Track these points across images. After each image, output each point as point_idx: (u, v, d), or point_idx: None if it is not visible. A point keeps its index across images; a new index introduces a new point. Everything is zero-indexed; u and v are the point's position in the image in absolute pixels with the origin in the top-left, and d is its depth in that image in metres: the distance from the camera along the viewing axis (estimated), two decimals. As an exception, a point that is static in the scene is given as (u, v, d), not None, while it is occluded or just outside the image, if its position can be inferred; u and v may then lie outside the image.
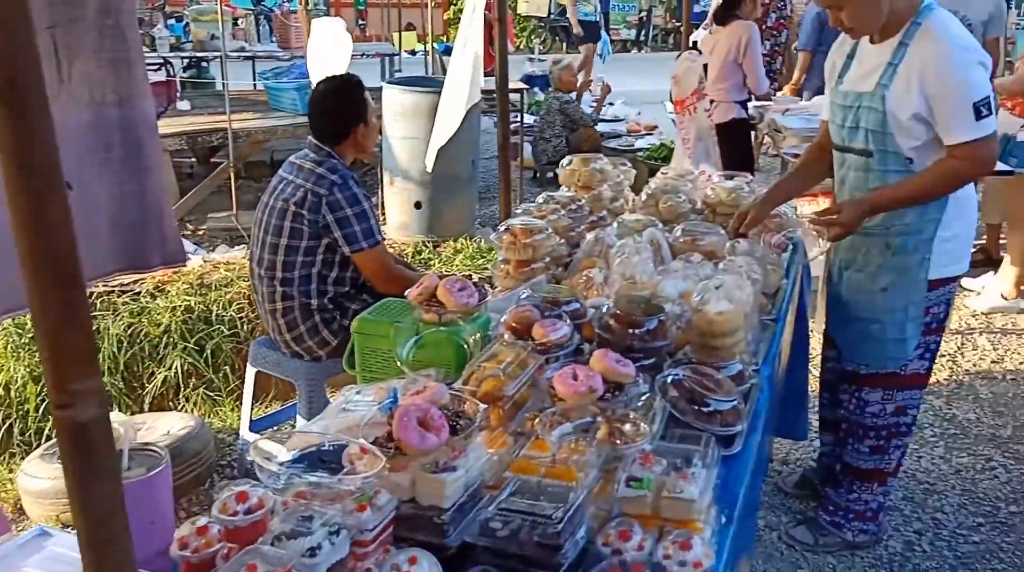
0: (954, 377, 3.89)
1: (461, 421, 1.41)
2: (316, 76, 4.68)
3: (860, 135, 2.42)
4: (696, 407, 1.71)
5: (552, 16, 17.19)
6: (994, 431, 3.46)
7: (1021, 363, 4.02)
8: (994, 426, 3.49)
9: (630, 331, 1.91)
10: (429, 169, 4.69)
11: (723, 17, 4.95)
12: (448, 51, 11.56)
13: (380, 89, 5.90)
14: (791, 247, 2.80)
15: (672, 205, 2.94)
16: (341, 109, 2.91)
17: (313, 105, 2.95)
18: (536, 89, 9.44)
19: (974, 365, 4.02)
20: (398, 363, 1.83)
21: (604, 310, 2.00)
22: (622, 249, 2.33)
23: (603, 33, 11.13)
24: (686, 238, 2.58)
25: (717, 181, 3.17)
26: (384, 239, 2.96)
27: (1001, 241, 4.91)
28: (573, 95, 7.19)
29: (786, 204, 2.88)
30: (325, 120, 2.92)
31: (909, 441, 2.76)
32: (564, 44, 16.71)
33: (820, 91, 5.51)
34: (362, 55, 11.28)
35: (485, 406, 1.49)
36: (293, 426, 3.18)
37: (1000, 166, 3.83)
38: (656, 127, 7.68)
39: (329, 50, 4.96)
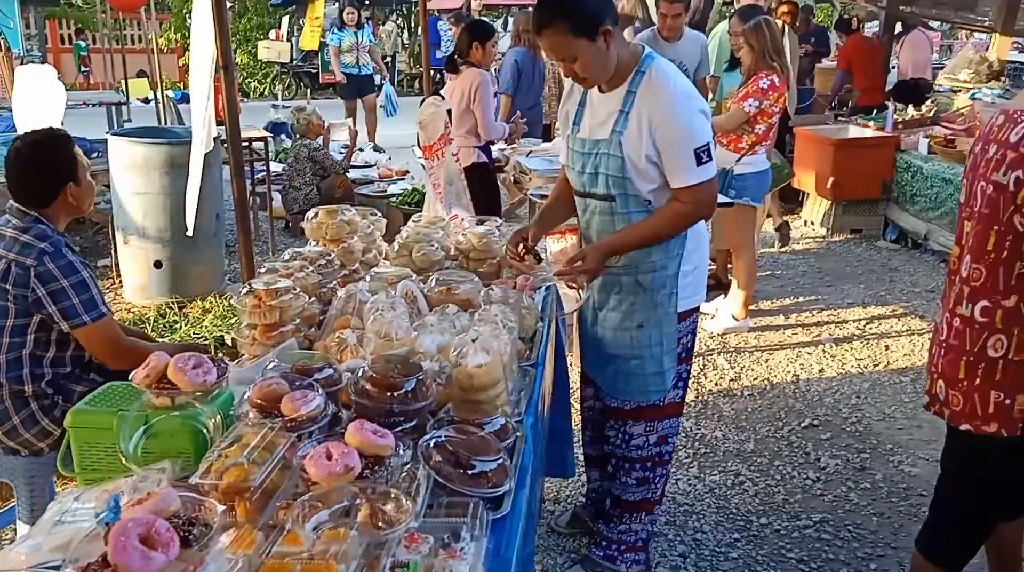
0: (699, 397, 4.14)
1: (195, 529, 1.22)
2: (25, 130, 4.17)
3: (601, 181, 2.49)
4: (462, 470, 1.62)
5: (295, 62, 16.87)
6: (739, 446, 3.70)
7: (755, 379, 4.37)
8: (738, 441, 3.74)
9: (388, 394, 1.79)
10: (190, 231, 4.34)
11: (454, 66, 5.05)
12: (185, 99, 10.92)
13: (106, 141, 5.41)
14: (543, 288, 2.83)
15: (426, 254, 2.87)
16: (46, 168, 2.57)
17: (11, 165, 2.57)
18: (283, 136, 9.13)
19: (715, 384, 4.31)
20: (123, 460, 1.59)
21: (360, 374, 1.86)
22: (376, 305, 2.21)
23: (387, 85, 10.84)
24: (441, 288, 2.51)
25: (468, 226, 3.15)
26: (110, 311, 2.63)
27: (728, 265, 5.34)
28: (320, 141, 7.01)
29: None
30: (28, 181, 2.56)
31: (671, 468, 2.87)
32: (309, 90, 16.41)
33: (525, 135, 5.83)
34: (85, 104, 10.39)
35: (223, 508, 1.30)
36: (14, 532, 2.74)
37: (720, 198, 4.15)
38: (407, 171, 7.68)
39: (39, 101, 4.45)
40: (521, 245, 2.68)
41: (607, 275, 2.57)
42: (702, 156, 2.38)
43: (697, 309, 2.71)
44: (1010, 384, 1.95)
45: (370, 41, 10.56)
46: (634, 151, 2.40)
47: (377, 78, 11.39)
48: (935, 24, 11.05)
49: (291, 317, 2.28)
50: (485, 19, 9.53)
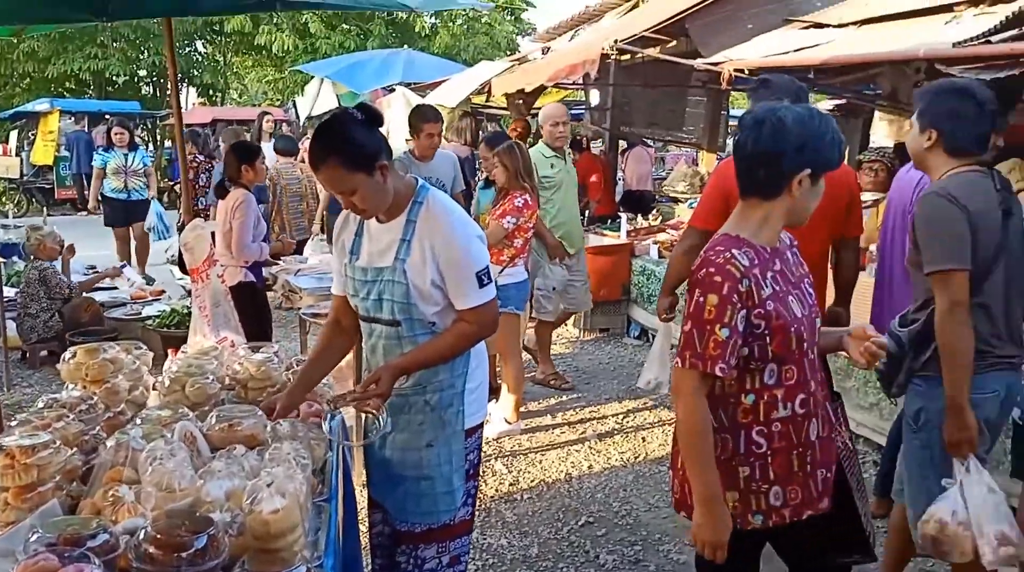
0: (482, 505, 4.16)
1: None
2: None
3: (386, 306, 2.50)
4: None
5: (26, 177, 15.46)
6: (524, 552, 3.74)
7: (532, 481, 4.47)
8: (523, 547, 3.78)
9: (176, 556, 1.63)
10: None
11: (224, 190, 4.92)
12: None
13: None
14: (329, 415, 2.74)
15: (200, 387, 2.70)
16: None
17: None
18: (16, 258, 8.23)
19: (496, 490, 4.36)
20: None
21: (141, 535, 1.68)
22: (153, 453, 2.02)
23: (154, 202, 9.53)
24: (222, 424, 2.36)
25: (244, 354, 3.01)
26: None
27: (497, 370, 5.48)
28: (56, 263, 6.39)
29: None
30: None
31: (463, 586, 2.82)
32: (44, 207, 15.04)
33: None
34: None
35: None
36: None
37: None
38: (163, 292, 7.20)
39: None
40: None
41: (395, 397, 2.55)
42: (483, 278, 2.47)
43: (482, 425, 2.75)
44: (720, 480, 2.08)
45: (144, 163, 9.45)
46: (418, 277, 2.44)
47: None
48: (650, 141, 12.41)
49: (50, 475, 2.03)
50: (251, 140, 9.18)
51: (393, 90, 10.97)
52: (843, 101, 7.82)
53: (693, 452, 2.05)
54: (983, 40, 3.51)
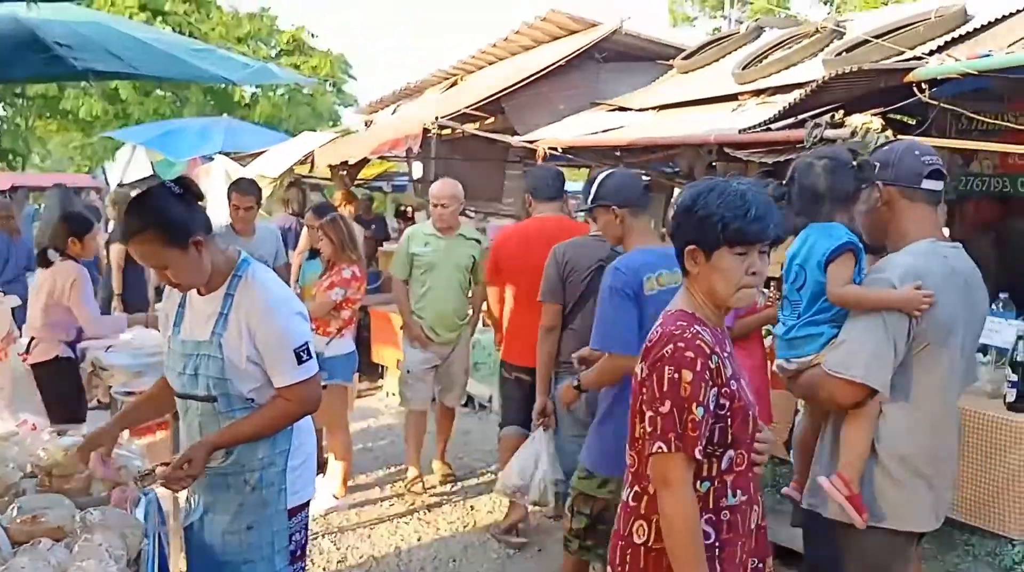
0: (310, 585, 3.98)
1: None
2: None
3: (201, 382, 2.40)
4: None
5: None
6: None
7: (361, 557, 4.35)
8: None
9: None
10: None
11: (47, 260, 4.53)
12: None
13: None
14: (141, 499, 2.56)
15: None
16: None
17: None
18: None
19: (323, 569, 4.19)
20: None
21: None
22: (-61, 554, 1.81)
23: None
24: (25, 518, 2.15)
25: (48, 438, 2.76)
26: None
27: (323, 444, 5.31)
28: None
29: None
30: None
31: None
32: None
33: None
34: None
35: None
36: None
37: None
38: (-56, 371, 6.46)
39: None
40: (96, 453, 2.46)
41: (213, 476, 2.43)
42: (302, 355, 2.40)
43: (308, 503, 2.66)
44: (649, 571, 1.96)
45: None
46: (234, 353, 2.37)
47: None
48: (471, 211, 12.73)
49: None
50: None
51: (212, 158, 10.62)
52: (648, 178, 8.41)
53: (690, 550, 1.85)
54: (764, 127, 3.93)
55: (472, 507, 5.05)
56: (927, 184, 2.27)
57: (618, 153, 6.03)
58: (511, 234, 4.65)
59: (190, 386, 2.43)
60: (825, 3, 19.26)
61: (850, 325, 2.25)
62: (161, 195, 2.34)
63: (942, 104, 3.29)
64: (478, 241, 5.18)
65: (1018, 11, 3.89)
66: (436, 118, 6.92)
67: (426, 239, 5.10)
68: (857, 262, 2.29)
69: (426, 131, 6.98)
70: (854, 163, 2.35)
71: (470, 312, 5.38)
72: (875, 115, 3.24)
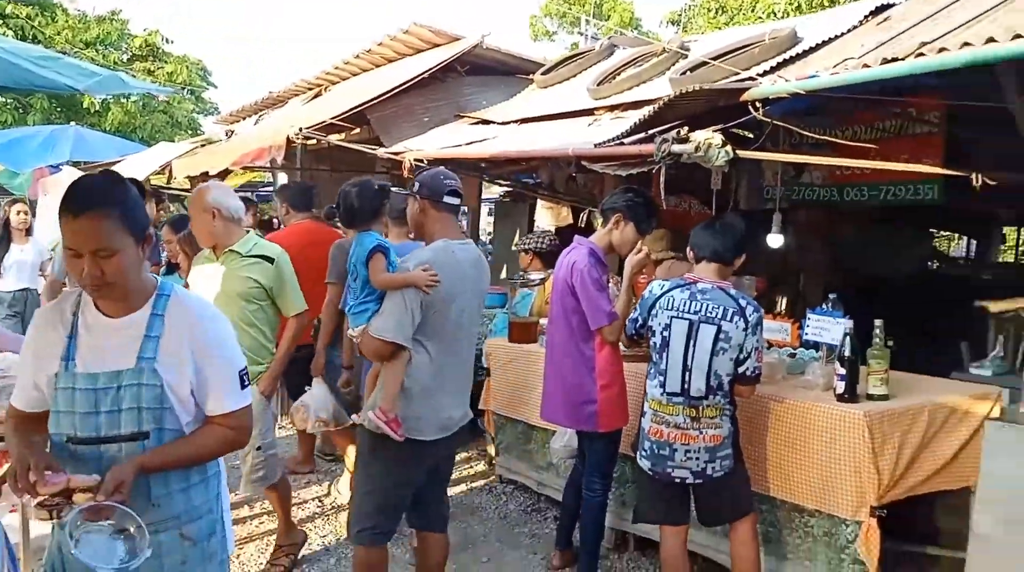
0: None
1: None
2: None
3: (128, 417, 2.04)
4: None
5: None
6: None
7: None
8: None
9: None
10: None
11: None
12: None
13: None
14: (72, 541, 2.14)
15: None
16: None
17: None
18: None
19: None
20: None
21: None
22: None
23: None
24: None
25: None
26: None
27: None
28: None
29: None
30: None
31: None
32: None
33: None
34: None
35: None
36: None
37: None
38: None
39: None
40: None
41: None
42: (244, 379, 2.18)
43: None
44: None
45: None
46: (175, 378, 2.05)
47: None
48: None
49: None
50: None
51: (60, 169, 9.91)
52: (511, 189, 8.51)
53: None
54: (618, 142, 4.04)
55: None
56: (447, 199, 3.15)
57: (483, 165, 6.06)
58: (276, 240, 4.56)
59: (109, 426, 2.03)
60: (673, 23, 20.15)
61: (386, 301, 3.04)
62: (126, 181, 2.07)
63: (774, 121, 3.49)
64: (268, 259, 3.93)
65: (841, 35, 4.20)
66: (300, 129, 6.73)
67: (203, 261, 4.06)
68: (387, 257, 3.08)
69: (290, 141, 6.78)
70: (377, 187, 3.44)
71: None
72: (716, 131, 3.41)
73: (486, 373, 5.45)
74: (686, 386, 3.32)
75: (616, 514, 4.41)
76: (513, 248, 7.32)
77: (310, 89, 9.60)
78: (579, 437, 4.05)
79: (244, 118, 11.05)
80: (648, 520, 3.66)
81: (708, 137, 3.38)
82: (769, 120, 3.38)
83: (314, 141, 7.10)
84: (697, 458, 3.33)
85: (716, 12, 17.04)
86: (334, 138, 7.25)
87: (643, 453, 3.46)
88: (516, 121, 6.23)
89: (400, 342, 2.99)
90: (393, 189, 4.08)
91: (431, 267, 3.02)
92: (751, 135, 4.53)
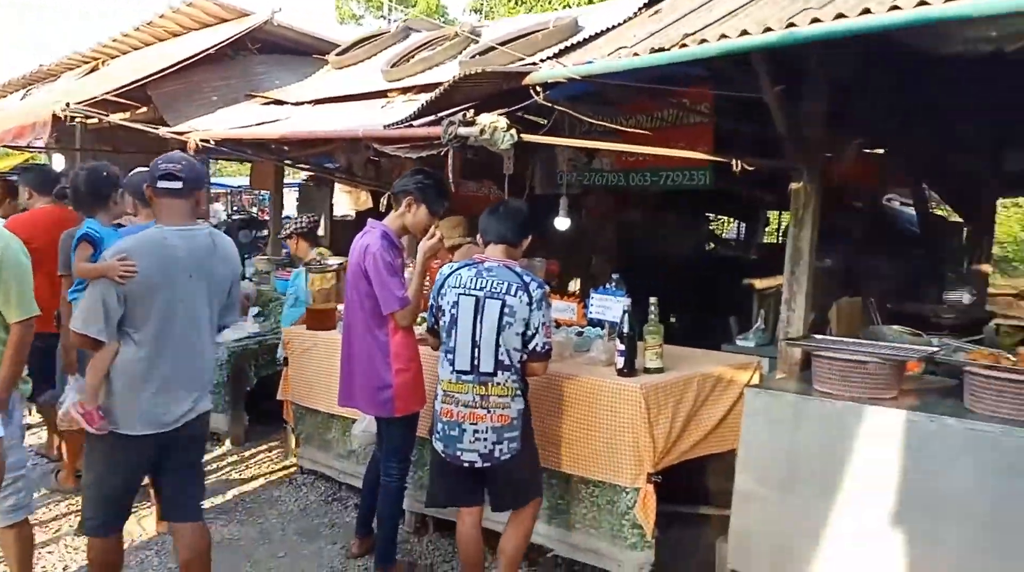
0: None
1: None
2: None
3: None
4: None
5: None
6: None
7: None
8: None
9: None
10: None
11: None
12: None
13: None
14: None
15: None
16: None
17: None
18: None
19: None
20: None
21: None
22: None
23: None
24: None
25: None
26: None
27: None
28: None
29: None
30: None
31: None
32: None
33: None
34: None
35: None
36: None
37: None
38: None
39: None
40: None
41: None
42: None
43: None
44: None
45: None
46: None
47: None
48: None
49: None
50: None
51: None
52: (313, 173, 8.17)
53: None
54: (407, 124, 3.92)
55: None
56: (161, 183, 3.00)
57: (274, 146, 5.73)
58: (17, 226, 4.22)
59: None
60: (476, 12, 20.26)
61: (87, 291, 2.96)
62: None
63: (555, 106, 3.52)
64: None
65: (618, 24, 4.31)
66: (68, 104, 6.04)
67: None
68: (95, 246, 3.09)
69: (57, 119, 6.07)
70: (106, 173, 3.47)
71: None
72: (501, 115, 3.38)
73: (284, 362, 5.21)
74: (476, 363, 3.27)
75: (415, 497, 4.34)
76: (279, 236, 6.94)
77: (85, 62, 8.68)
78: (377, 422, 3.93)
79: (9, 93, 9.84)
80: (438, 504, 3.60)
81: (493, 120, 3.34)
82: (550, 105, 3.40)
83: (95, 120, 6.41)
84: (485, 439, 3.28)
85: (516, 2, 17.33)
86: (117, 117, 6.58)
87: (436, 435, 3.40)
88: (310, 102, 5.94)
89: (91, 335, 2.89)
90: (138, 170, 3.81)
91: (128, 256, 2.90)
92: (544, 122, 4.58)
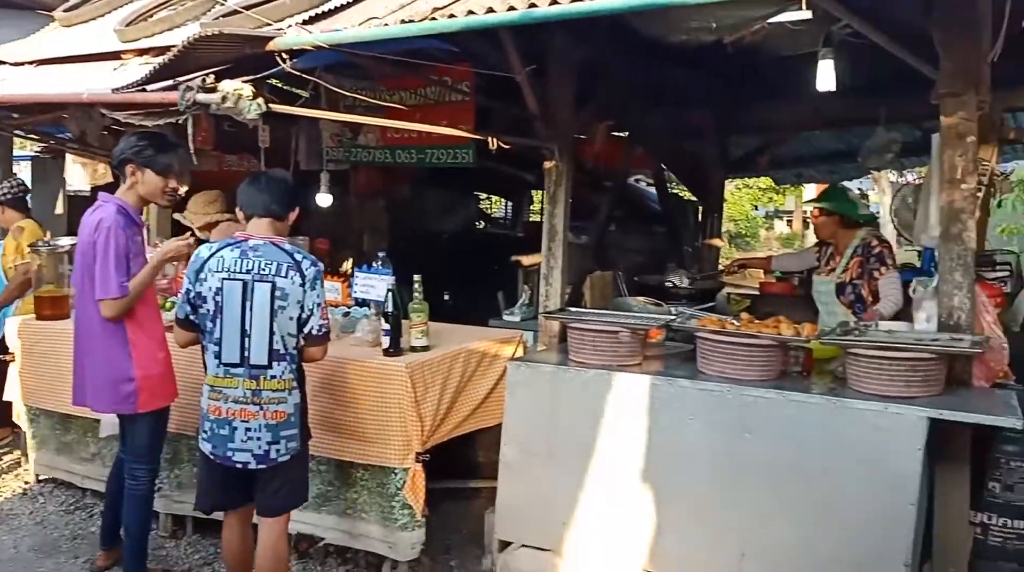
0: None
1: None
2: None
3: None
4: None
5: None
6: None
7: None
8: None
9: None
10: None
11: None
12: None
13: None
14: None
15: None
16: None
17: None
18: None
19: None
20: None
21: None
22: None
23: None
24: None
25: None
26: None
27: None
28: None
29: None
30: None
31: None
32: None
33: None
34: None
35: None
36: None
37: None
38: None
39: None
40: None
41: None
42: None
43: None
44: None
45: None
46: None
47: None
48: None
49: None
50: None
51: None
52: (45, 144, 7.17)
53: None
54: (139, 88, 3.48)
55: None
56: None
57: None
58: None
59: None
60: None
61: None
62: None
63: (306, 76, 3.32)
64: None
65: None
66: None
67: None
68: None
69: None
70: None
71: None
72: (246, 82, 3.08)
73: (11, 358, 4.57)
74: (246, 354, 2.94)
75: (170, 498, 3.99)
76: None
77: None
78: (120, 420, 3.52)
79: None
80: (206, 509, 3.24)
81: (237, 88, 3.02)
82: (299, 74, 3.17)
83: None
84: (259, 438, 2.95)
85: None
86: None
87: (204, 435, 3.02)
88: (32, 62, 5.17)
89: None
90: None
91: None
92: (306, 94, 4.31)
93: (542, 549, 3.36)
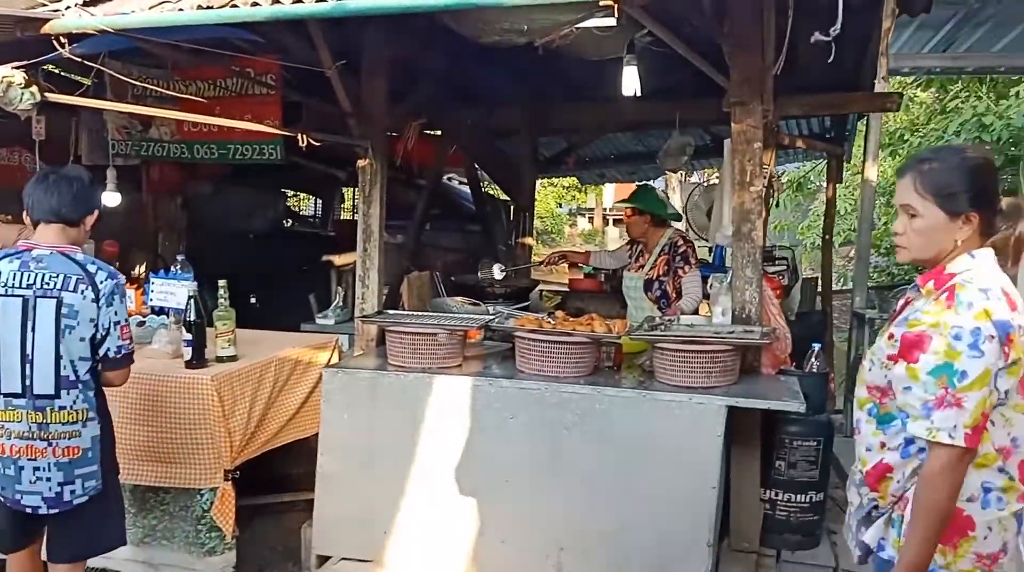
0: None
1: None
2: None
3: None
4: None
5: None
6: None
7: None
8: None
9: None
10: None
11: None
12: None
13: None
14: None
15: None
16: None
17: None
18: None
19: None
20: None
21: None
22: None
23: None
24: None
25: None
26: None
27: None
28: None
29: None
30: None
31: None
32: None
33: None
34: None
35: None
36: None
37: None
38: None
39: None
40: None
41: None
42: None
43: None
44: None
45: None
46: None
47: None
48: None
49: None
50: None
51: None
52: None
53: None
54: None
55: None
56: None
57: None
58: None
59: None
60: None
61: None
62: None
63: (87, 62, 2.95)
64: None
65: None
66: None
67: None
68: None
69: None
70: None
71: None
72: (18, 68, 2.69)
73: None
74: (28, 383, 2.51)
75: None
76: None
77: None
78: None
79: None
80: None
81: (7, 75, 2.64)
82: (79, 59, 2.81)
83: None
84: (49, 479, 2.54)
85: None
86: None
87: None
88: None
89: None
90: None
91: None
92: (88, 81, 3.86)
93: (363, 561, 3.23)
